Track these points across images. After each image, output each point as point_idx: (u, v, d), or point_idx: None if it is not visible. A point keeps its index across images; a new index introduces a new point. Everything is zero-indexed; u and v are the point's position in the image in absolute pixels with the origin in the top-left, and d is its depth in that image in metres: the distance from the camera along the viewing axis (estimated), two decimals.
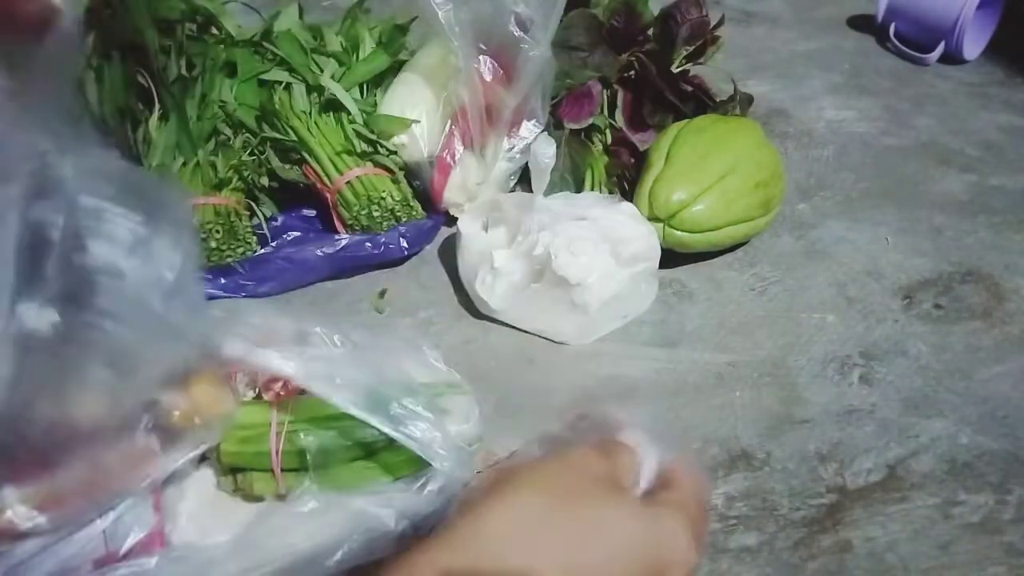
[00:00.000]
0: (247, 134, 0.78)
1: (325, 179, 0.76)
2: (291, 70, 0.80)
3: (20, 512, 0.41)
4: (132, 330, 0.42)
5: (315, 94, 0.80)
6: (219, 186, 0.74)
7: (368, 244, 0.74)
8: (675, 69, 0.82)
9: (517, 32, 0.74)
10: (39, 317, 0.38)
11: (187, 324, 0.46)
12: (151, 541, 0.46)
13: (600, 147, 0.83)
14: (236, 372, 0.53)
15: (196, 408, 0.49)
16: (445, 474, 0.49)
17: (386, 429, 0.49)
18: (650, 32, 0.85)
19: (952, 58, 1.14)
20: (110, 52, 0.75)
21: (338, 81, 0.79)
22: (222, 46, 0.80)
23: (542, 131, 0.80)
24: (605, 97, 0.84)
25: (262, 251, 0.75)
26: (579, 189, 0.81)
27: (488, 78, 0.77)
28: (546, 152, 0.68)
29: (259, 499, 0.52)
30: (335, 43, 0.83)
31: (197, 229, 0.70)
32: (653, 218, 0.72)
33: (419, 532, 0.48)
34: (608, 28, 0.84)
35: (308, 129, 0.77)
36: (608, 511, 0.32)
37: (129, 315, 0.41)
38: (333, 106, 0.79)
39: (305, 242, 0.75)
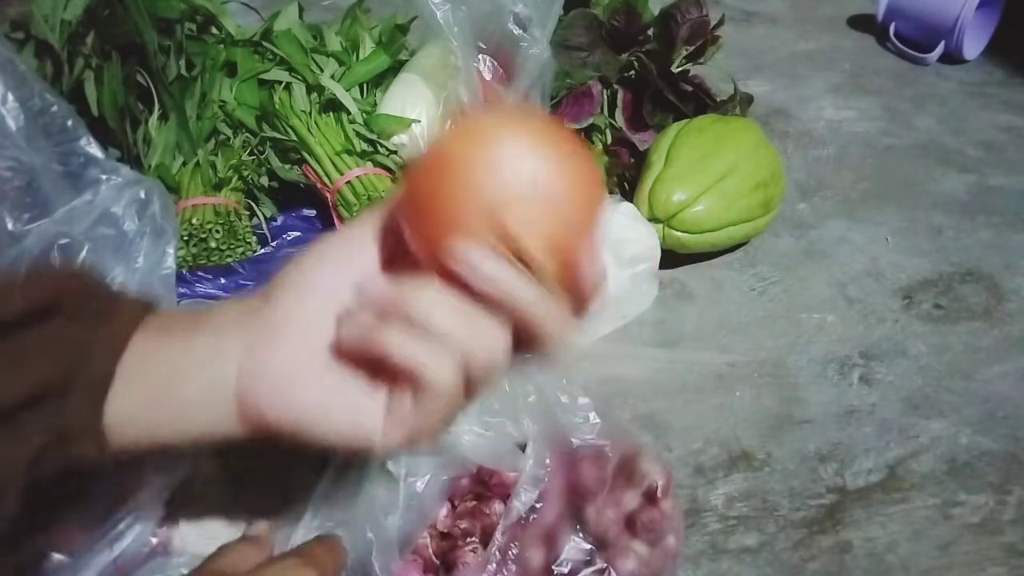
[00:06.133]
0: (247, 134, 0.78)
1: (325, 179, 0.76)
2: (291, 70, 0.80)
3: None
4: None
5: (315, 94, 0.79)
6: (219, 186, 0.74)
7: None
8: (675, 69, 0.82)
9: (516, 31, 0.74)
10: None
11: None
12: (156, 551, 0.46)
13: (600, 147, 0.83)
14: None
15: None
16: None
17: None
18: (650, 32, 0.84)
19: (952, 58, 1.14)
20: (110, 52, 0.75)
21: (338, 81, 0.79)
22: (222, 46, 0.80)
23: None
24: (605, 97, 0.84)
25: (262, 251, 0.75)
26: None
27: (488, 77, 0.77)
28: None
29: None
30: (335, 43, 0.83)
31: (197, 229, 0.70)
32: (653, 218, 0.72)
33: None
34: (608, 28, 0.84)
35: (308, 129, 0.77)
36: None
37: None
38: (333, 106, 0.79)
39: (305, 242, 0.75)
